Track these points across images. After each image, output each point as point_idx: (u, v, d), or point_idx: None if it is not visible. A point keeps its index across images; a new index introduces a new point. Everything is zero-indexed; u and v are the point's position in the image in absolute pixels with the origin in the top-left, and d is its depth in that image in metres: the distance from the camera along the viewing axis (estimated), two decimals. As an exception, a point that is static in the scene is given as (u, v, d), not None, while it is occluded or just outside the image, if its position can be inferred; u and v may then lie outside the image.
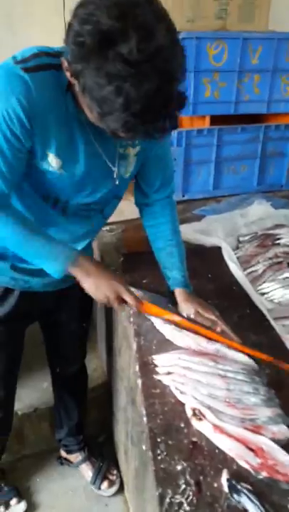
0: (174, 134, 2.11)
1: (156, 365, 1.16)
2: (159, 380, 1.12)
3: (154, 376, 1.13)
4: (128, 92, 0.79)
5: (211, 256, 1.74)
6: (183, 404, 1.05)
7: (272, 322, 1.36)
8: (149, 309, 1.26)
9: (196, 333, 1.23)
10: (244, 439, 0.95)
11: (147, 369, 1.16)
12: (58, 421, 1.77)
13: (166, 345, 1.23)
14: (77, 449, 1.81)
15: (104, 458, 1.85)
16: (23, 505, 1.71)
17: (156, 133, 0.88)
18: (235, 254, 1.76)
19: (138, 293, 1.31)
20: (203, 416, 1.00)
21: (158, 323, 1.27)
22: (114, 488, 1.79)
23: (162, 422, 1.01)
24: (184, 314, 1.27)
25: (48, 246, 1.10)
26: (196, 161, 2.22)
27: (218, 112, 2.15)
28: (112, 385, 1.83)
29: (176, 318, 1.26)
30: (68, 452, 1.83)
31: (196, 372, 1.10)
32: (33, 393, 1.88)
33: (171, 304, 1.33)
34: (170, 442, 0.97)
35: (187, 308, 1.27)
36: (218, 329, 1.23)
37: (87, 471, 1.81)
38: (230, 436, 0.95)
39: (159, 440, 0.97)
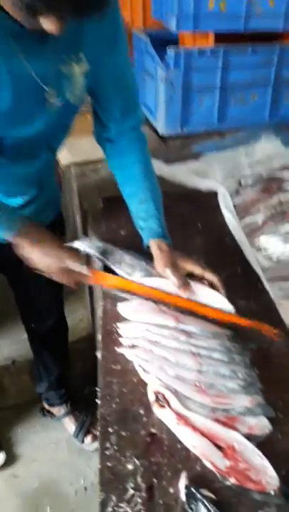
0: (171, 53, 1.80)
1: (120, 335, 1.00)
2: (122, 354, 0.96)
3: (117, 349, 0.97)
4: None
5: (204, 203, 1.51)
6: (146, 386, 0.89)
7: (267, 284, 1.16)
8: (102, 280, 1.04)
9: (164, 302, 1.04)
10: (213, 433, 0.79)
11: (110, 339, 1.00)
12: (38, 375, 1.67)
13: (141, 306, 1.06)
14: (60, 403, 1.73)
15: (88, 411, 1.76)
16: (2, 456, 1.66)
17: (89, 4, 0.67)
18: (234, 200, 1.54)
19: (118, 253, 1.12)
20: (167, 402, 0.84)
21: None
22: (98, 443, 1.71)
23: (118, 406, 0.86)
24: (160, 270, 1.06)
25: None
26: (197, 88, 1.91)
27: (224, 27, 1.81)
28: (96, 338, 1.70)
29: (140, 287, 1.04)
30: (50, 405, 1.75)
31: (164, 347, 0.93)
32: (12, 345, 1.77)
33: (142, 257, 1.12)
34: (123, 433, 0.81)
35: (164, 262, 1.05)
36: (207, 277, 1.04)
37: (70, 424, 1.74)
38: (195, 429, 0.80)
39: (110, 430, 0.82)
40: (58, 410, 1.75)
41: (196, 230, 1.38)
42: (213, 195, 1.54)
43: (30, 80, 0.86)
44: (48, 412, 1.78)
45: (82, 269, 0.98)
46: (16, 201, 1.11)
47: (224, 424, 0.81)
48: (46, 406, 1.79)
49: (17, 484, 1.60)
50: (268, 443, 0.80)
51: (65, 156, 1.85)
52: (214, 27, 1.81)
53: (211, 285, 1.05)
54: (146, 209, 1.10)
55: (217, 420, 0.81)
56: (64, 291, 1.55)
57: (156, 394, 0.86)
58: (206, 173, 1.66)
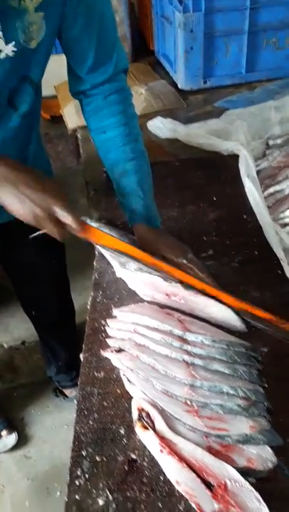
0: (190, -6, 1.56)
1: (107, 335, 0.87)
2: (108, 359, 0.82)
3: (102, 352, 0.84)
4: None
5: (223, 170, 1.32)
6: (131, 399, 0.76)
7: (288, 270, 0.98)
8: (95, 236, 0.85)
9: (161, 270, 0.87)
10: (202, 466, 0.65)
11: (96, 339, 0.87)
12: (46, 360, 1.59)
13: (127, 304, 0.92)
14: (71, 385, 1.65)
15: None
16: (13, 437, 1.62)
17: None
18: (258, 165, 1.33)
19: (93, 224, 0.96)
20: (152, 422, 0.71)
21: (117, 268, 0.94)
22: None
23: (96, 424, 0.74)
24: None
25: None
26: (221, 33, 1.66)
27: None
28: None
29: (133, 250, 0.87)
30: (62, 387, 1.68)
31: (153, 354, 0.78)
32: (22, 324, 1.69)
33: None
34: (98, 458, 0.69)
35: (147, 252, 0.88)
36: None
37: (82, 406, 1.66)
38: (181, 459, 0.66)
39: (84, 453, 0.70)
40: (70, 392, 1.68)
41: (210, 202, 1.20)
42: (233, 161, 1.32)
43: None
44: (61, 392, 1.71)
45: (72, 221, 0.77)
46: None
47: (217, 454, 0.67)
48: (58, 387, 1.72)
49: (28, 466, 1.56)
50: (271, 480, 0.65)
51: (73, 117, 1.68)
52: None
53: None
54: (127, 184, 0.93)
55: (209, 449, 0.67)
56: (69, 272, 1.42)
57: (140, 411, 0.73)
58: (229, 134, 1.45)
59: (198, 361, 0.76)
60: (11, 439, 1.62)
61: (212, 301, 0.85)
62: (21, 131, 0.94)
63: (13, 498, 1.48)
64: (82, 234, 0.82)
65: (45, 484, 1.51)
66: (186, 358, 0.77)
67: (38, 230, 0.80)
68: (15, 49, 0.76)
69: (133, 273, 0.90)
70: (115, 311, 0.91)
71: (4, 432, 1.62)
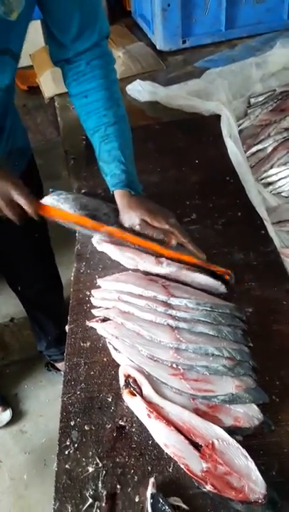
0: None
1: (92, 306, 0.85)
2: (93, 329, 0.81)
3: (87, 322, 0.82)
4: None
5: (205, 131, 1.28)
6: (117, 367, 0.75)
7: (272, 230, 0.96)
8: (50, 212, 0.87)
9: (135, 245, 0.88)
10: (189, 428, 0.65)
11: (81, 310, 0.86)
12: (36, 335, 1.59)
13: (112, 273, 0.90)
14: (62, 359, 1.64)
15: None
16: (8, 413, 1.63)
17: None
18: (240, 124, 1.30)
19: (72, 196, 0.94)
20: (139, 388, 0.70)
21: (97, 240, 0.92)
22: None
23: (83, 393, 0.73)
24: (126, 226, 0.89)
25: None
26: (199, -12, 1.60)
27: None
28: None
29: (90, 223, 0.88)
30: (54, 361, 1.68)
31: (138, 320, 0.77)
32: (10, 300, 1.67)
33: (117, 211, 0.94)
34: (87, 428, 0.69)
35: (129, 217, 0.88)
36: (173, 242, 0.86)
37: (75, 379, 1.66)
38: (169, 423, 0.66)
39: (72, 423, 0.70)
40: (62, 365, 1.67)
41: (192, 165, 1.17)
42: (215, 121, 1.29)
43: None
44: (53, 366, 1.71)
45: (24, 202, 0.81)
46: None
47: (205, 415, 0.67)
48: (50, 361, 1.72)
49: (25, 440, 1.57)
50: (258, 436, 0.66)
51: (49, 85, 1.62)
52: None
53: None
54: (108, 149, 0.91)
55: (196, 410, 0.67)
56: (55, 247, 1.40)
57: (127, 378, 0.72)
58: (210, 94, 1.41)
59: (182, 325, 0.75)
60: (6, 415, 1.62)
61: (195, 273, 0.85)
62: (1, 105, 0.90)
63: (11, 472, 1.50)
64: (37, 211, 0.83)
65: (42, 457, 1.53)
66: (171, 322, 0.76)
67: None
68: None
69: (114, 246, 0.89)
70: (99, 281, 0.89)
71: (-2, 409, 1.63)
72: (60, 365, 1.68)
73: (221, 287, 0.84)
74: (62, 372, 1.66)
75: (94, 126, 0.93)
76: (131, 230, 0.88)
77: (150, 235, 0.88)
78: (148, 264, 0.86)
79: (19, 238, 1.21)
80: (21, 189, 0.81)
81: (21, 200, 0.80)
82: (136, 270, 0.90)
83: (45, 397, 1.67)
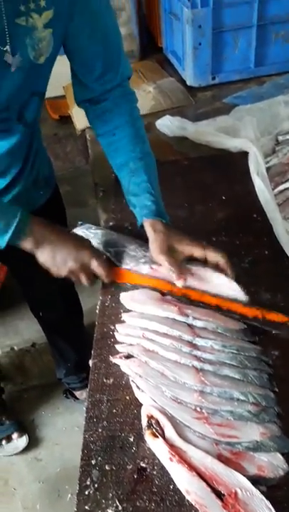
0: (196, -11, 1.53)
1: (116, 341, 0.85)
2: (117, 365, 0.81)
3: (111, 358, 0.82)
4: None
5: (232, 168, 1.29)
6: (140, 406, 0.75)
7: (299, 271, 0.96)
8: (125, 277, 0.93)
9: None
10: (212, 475, 0.64)
11: (105, 344, 0.86)
12: (56, 361, 1.59)
13: (141, 295, 0.91)
14: (81, 387, 1.64)
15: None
16: (24, 439, 1.62)
17: None
18: (268, 162, 1.30)
19: (120, 243, 0.97)
20: (161, 430, 0.70)
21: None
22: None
23: (105, 431, 0.73)
24: (154, 256, 0.90)
25: None
26: (230, 27, 1.64)
27: None
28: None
29: (160, 284, 0.91)
30: (72, 389, 1.67)
31: (162, 360, 0.77)
32: (32, 326, 1.68)
33: (144, 246, 0.96)
34: (108, 467, 0.68)
35: (158, 245, 0.88)
36: (212, 259, 0.89)
37: (93, 408, 1.65)
38: (192, 468, 0.65)
39: (93, 462, 0.69)
40: (81, 394, 1.67)
41: (219, 201, 1.18)
42: (243, 158, 1.31)
43: None
44: (71, 394, 1.71)
45: (102, 271, 0.88)
46: None
47: (228, 462, 0.65)
48: (69, 389, 1.71)
49: (39, 468, 1.56)
50: (283, 487, 0.64)
51: (81, 117, 1.66)
52: None
53: (218, 268, 0.89)
54: (137, 182, 0.94)
55: (219, 456, 0.66)
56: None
57: (150, 418, 0.71)
58: (238, 130, 1.42)
59: (208, 367, 0.75)
60: (22, 441, 1.62)
61: (217, 273, 0.88)
62: (26, 138, 0.95)
63: (24, 501, 1.48)
64: (112, 278, 0.92)
65: (56, 487, 1.51)
66: (196, 363, 0.75)
67: None
68: (23, 65, 0.76)
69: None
70: (124, 316, 0.89)
71: (15, 435, 1.62)
72: (79, 394, 1.68)
73: (240, 294, 0.85)
74: (80, 401, 1.66)
75: (122, 161, 0.96)
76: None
77: (181, 257, 0.89)
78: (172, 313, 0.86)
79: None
80: (101, 259, 0.88)
81: (100, 271, 0.88)
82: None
83: (62, 425, 1.66)
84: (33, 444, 1.61)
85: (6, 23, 0.71)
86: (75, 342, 1.52)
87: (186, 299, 0.88)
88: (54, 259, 0.86)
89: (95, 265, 0.87)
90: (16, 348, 1.65)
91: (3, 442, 1.62)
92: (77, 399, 1.69)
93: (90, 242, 0.92)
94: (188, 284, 0.88)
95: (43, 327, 1.50)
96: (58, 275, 0.89)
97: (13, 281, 1.58)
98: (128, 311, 0.89)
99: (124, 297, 0.92)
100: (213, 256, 0.87)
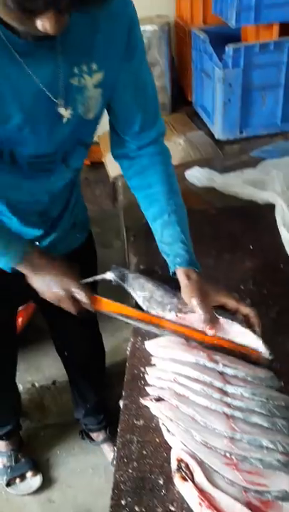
0: (229, 50, 1.64)
1: (146, 383, 0.87)
2: (147, 407, 0.83)
3: (141, 400, 0.84)
4: None
5: (259, 219, 1.34)
6: (170, 449, 0.76)
7: None
8: (105, 306, 0.98)
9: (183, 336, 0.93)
10: (241, 523, 0.65)
11: (135, 386, 0.88)
12: (74, 401, 1.60)
13: (169, 342, 0.93)
14: (98, 429, 1.64)
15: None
16: (38, 479, 1.60)
17: None
18: (294, 215, 1.35)
19: (148, 288, 1.00)
20: (191, 474, 0.71)
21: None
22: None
23: (135, 472, 0.74)
24: (186, 301, 0.92)
25: None
26: (258, 86, 1.74)
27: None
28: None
29: (138, 313, 0.97)
30: (89, 430, 1.67)
31: (193, 405, 0.79)
32: (54, 363, 1.70)
33: (173, 291, 0.99)
34: (137, 509, 0.69)
35: (191, 289, 0.91)
36: (242, 310, 0.91)
37: (109, 451, 1.64)
38: (221, 515, 0.65)
39: (123, 503, 0.70)
40: (97, 436, 1.66)
41: (246, 251, 1.22)
42: (270, 210, 1.36)
43: (40, 95, 0.78)
44: (88, 435, 1.69)
45: (82, 296, 0.94)
46: (37, 227, 1.03)
47: (256, 510, 0.66)
48: (85, 430, 1.70)
49: (52, 510, 1.53)
50: None
51: (114, 166, 1.75)
52: (280, 18, 1.63)
53: (248, 322, 0.91)
54: (171, 233, 0.98)
55: (248, 504, 0.67)
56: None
57: (179, 462, 0.73)
58: (265, 183, 1.48)
59: (238, 414, 0.76)
60: (36, 481, 1.60)
61: (244, 329, 0.89)
62: (69, 183, 1.02)
63: None
64: (95, 307, 0.97)
65: (68, 530, 1.48)
66: (226, 410, 0.77)
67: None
68: (73, 117, 0.83)
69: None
70: (154, 359, 0.92)
71: (29, 473, 1.61)
72: (95, 436, 1.67)
73: (266, 352, 0.87)
74: (96, 443, 1.65)
75: (156, 213, 1.00)
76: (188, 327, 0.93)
77: (212, 305, 0.91)
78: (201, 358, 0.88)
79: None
80: (80, 285, 0.94)
81: (79, 295, 0.94)
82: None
83: (76, 466, 1.64)
84: (46, 484, 1.60)
85: (62, 81, 0.79)
86: (95, 383, 1.53)
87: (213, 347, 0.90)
88: (43, 284, 0.95)
89: (74, 290, 0.94)
90: (37, 384, 1.66)
91: (17, 481, 1.60)
92: (93, 441, 1.68)
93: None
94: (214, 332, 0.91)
95: (66, 366, 1.52)
96: (48, 299, 0.97)
97: (41, 319, 1.62)
98: (157, 355, 0.92)
99: (150, 345, 0.94)
100: (245, 309, 0.90)
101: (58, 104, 0.81)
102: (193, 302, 0.89)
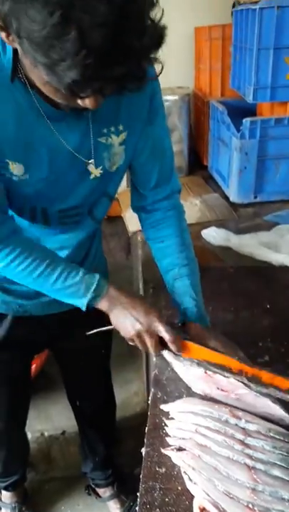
0: (247, 123, 1.77)
1: (167, 434, 0.90)
2: (168, 456, 0.85)
3: (162, 450, 0.86)
4: (79, 21, 0.56)
5: (275, 279, 1.40)
6: (191, 497, 0.78)
7: None
8: (192, 351, 0.94)
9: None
10: None
11: (157, 435, 0.90)
12: (83, 453, 1.58)
13: (187, 403, 0.96)
14: (105, 484, 1.61)
15: (136, 496, 1.61)
16: (41, 535, 1.56)
17: (130, 79, 0.64)
18: (308, 277, 1.41)
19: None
20: (214, 524, 0.72)
21: (178, 368, 0.99)
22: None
23: (158, 520, 0.75)
24: None
25: (66, 279, 0.91)
26: (272, 156, 1.86)
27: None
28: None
29: (235, 363, 0.92)
30: (96, 485, 1.64)
31: (215, 455, 0.81)
32: (64, 412, 1.70)
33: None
34: None
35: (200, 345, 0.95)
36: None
37: (115, 509, 1.60)
38: None
39: None
40: (104, 492, 1.63)
41: (264, 309, 1.27)
42: (285, 271, 1.43)
43: (70, 155, 0.87)
44: (94, 491, 1.66)
45: (172, 342, 0.91)
46: None
47: None
48: (92, 485, 1.67)
49: None
50: None
51: (133, 221, 1.84)
52: (292, 97, 1.77)
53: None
54: (181, 286, 1.04)
55: None
56: (111, 363, 1.47)
57: (202, 510, 0.74)
58: (279, 246, 1.56)
59: (259, 465, 0.78)
60: (37, 537, 1.56)
61: (261, 397, 0.87)
62: (92, 233, 1.10)
63: None
64: (180, 349, 0.92)
65: None
66: (248, 461, 0.79)
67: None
68: (102, 171, 0.92)
69: (185, 367, 0.96)
70: (172, 413, 0.94)
71: (31, 529, 1.57)
72: (102, 491, 1.63)
73: (286, 417, 0.87)
74: (102, 499, 1.62)
75: (168, 265, 1.07)
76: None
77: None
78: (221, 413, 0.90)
79: (89, 353, 1.30)
80: (166, 324, 0.92)
81: (168, 338, 0.90)
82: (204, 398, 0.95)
83: (79, 524, 1.60)
84: None
85: (92, 141, 0.88)
86: (106, 435, 1.53)
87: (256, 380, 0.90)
88: (124, 321, 0.92)
89: (162, 330, 0.90)
90: (46, 433, 1.65)
91: (19, 534, 1.56)
92: (100, 497, 1.64)
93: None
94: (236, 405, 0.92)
95: (76, 417, 1.52)
96: (127, 338, 0.94)
97: (51, 366, 1.64)
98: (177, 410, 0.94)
99: (169, 407, 0.95)
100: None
101: (89, 163, 0.90)
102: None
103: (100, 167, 0.93)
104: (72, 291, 0.92)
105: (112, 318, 0.94)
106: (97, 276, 0.94)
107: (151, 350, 0.93)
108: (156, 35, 0.62)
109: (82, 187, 0.94)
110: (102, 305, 0.94)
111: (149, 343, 0.92)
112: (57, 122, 0.82)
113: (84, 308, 0.93)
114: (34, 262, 0.89)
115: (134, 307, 0.92)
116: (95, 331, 1.01)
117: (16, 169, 0.84)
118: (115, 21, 0.56)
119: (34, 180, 0.87)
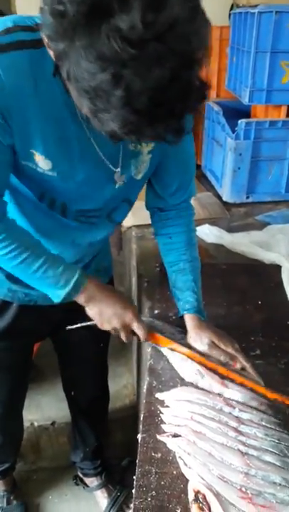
0: (242, 124, 1.81)
1: (163, 421, 0.93)
2: (163, 442, 0.88)
3: (158, 436, 0.89)
4: (129, 82, 0.57)
5: (266, 277, 1.44)
6: (186, 481, 0.81)
7: None
8: (157, 340, 1.08)
9: (209, 369, 1.01)
10: None
11: (152, 422, 0.93)
12: (74, 443, 1.61)
13: (182, 392, 0.99)
14: (94, 474, 1.64)
15: (124, 486, 1.65)
16: (28, 527, 1.57)
17: (170, 135, 0.66)
18: (298, 276, 1.45)
19: (145, 319, 1.11)
20: (208, 505, 0.75)
21: (173, 359, 1.05)
22: (129, 523, 1.59)
23: (154, 501, 0.78)
24: (195, 345, 1.05)
25: (48, 269, 0.93)
26: (266, 158, 1.90)
27: (297, 101, 1.82)
28: (138, 408, 1.62)
29: (185, 350, 1.05)
30: (84, 475, 1.67)
31: (209, 441, 0.84)
32: (54, 402, 1.72)
33: (183, 333, 1.10)
34: (156, 537, 0.73)
35: (198, 338, 1.04)
36: (238, 366, 1.02)
37: (102, 498, 1.63)
38: None
39: (142, 530, 0.74)
40: (91, 481, 1.65)
41: (255, 305, 1.31)
42: (276, 269, 1.47)
43: (98, 159, 0.88)
44: (81, 480, 1.68)
45: (143, 334, 1.02)
46: None
47: None
48: (80, 474, 1.70)
49: None
50: None
51: (129, 217, 1.86)
52: (287, 100, 1.82)
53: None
54: (184, 280, 1.10)
55: (262, 537, 0.71)
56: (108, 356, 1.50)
57: (197, 493, 0.77)
58: (270, 245, 1.60)
59: (252, 451, 0.82)
60: (25, 526, 1.58)
61: None
62: (107, 235, 1.13)
63: None
64: (149, 340, 1.06)
65: None
66: (241, 447, 0.83)
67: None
68: (125, 181, 0.95)
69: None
70: (168, 401, 0.97)
71: (19, 518, 1.59)
72: (90, 481, 1.66)
73: None
74: (90, 488, 1.64)
75: (173, 260, 1.12)
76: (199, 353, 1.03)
77: (216, 356, 1.03)
78: (213, 382, 0.97)
79: (89, 345, 1.33)
80: (139, 318, 1.02)
81: (140, 331, 1.01)
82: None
83: (67, 513, 1.63)
84: (35, 530, 1.57)
85: (121, 147, 0.90)
86: (97, 425, 1.55)
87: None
88: (101, 315, 1.00)
89: (136, 326, 1.00)
90: (35, 423, 1.67)
91: (7, 524, 1.58)
92: (87, 486, 1.67)
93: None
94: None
95: (70, 407, 1.55)
96: (103, 329, 1.02)
97: (42, 359, 1.66)
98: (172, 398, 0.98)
99: (164, 396, 0.98)
100: (242, 362, 1.02)
101: (116, 171, 0.92)
102: (205, 341, 1.02)
103: (126, 175, 0.95)
104: (52, 281, 0.94)
105: (90, 312, 1.00)
106: (78, 270, 0.97)
107: (125, 340, 1.04)
108: (201, 97, 0.64)
109: (105, 193, 0.96)
110: (80, 299, 0.98)
111: (124, 337, 1.03)
112: (93, 130, 0.84)
113: (58, 300, 0.96)
114: (19, 249, 0.90)
115: (112, 304, 0.99)
116: (76, 326, 1.08)
117: (41, 162, 0.84)
118: (165, 86, 0.57)
119: (59, 179, 0.88)
